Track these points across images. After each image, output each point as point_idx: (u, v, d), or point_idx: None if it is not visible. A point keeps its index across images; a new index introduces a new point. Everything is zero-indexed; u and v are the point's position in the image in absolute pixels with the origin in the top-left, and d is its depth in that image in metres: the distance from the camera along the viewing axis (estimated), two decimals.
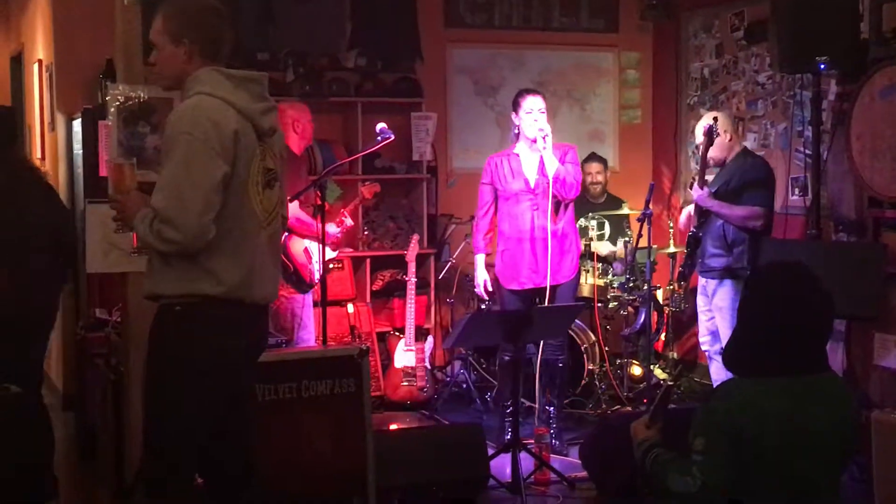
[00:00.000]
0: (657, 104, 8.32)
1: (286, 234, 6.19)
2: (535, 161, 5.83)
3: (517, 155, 5.89)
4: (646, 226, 6.02)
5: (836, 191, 6.08)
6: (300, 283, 6.25)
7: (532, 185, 5.81)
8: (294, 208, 6.12)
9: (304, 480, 4.23)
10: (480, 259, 6.10)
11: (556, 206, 5.83)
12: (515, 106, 5.88)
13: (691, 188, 5.98)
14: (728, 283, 5.83)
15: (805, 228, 6.10)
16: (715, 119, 5.80)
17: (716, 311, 5.93)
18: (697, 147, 5.99)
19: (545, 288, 5.79)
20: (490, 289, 6.07)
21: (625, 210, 7.25)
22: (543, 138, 5.73)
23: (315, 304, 6.25)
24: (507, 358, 5.93)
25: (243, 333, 3.47)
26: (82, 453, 5.95)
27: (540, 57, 8.04)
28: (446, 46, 7.81)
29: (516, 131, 5.92)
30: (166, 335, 3.43)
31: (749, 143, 7.13)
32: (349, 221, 6.53)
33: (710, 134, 5.80)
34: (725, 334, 5.89)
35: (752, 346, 3.08)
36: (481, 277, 6.08)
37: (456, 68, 7.85)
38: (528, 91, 5.97)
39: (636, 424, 3.30)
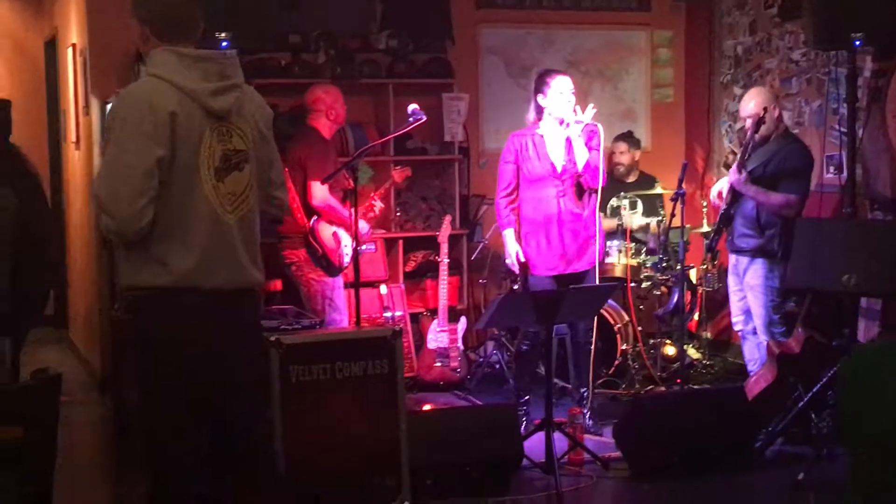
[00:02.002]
0: (690, 83, 8.27)
1: (315, 217, 6.20)
2: (560, 143, 5.76)
3: (541, 136, 5.80)
4: (679, 205, 5.99)
5: (871, 169, 6.03)
6: (329, 266, 6.26)
7: (559, 170, 5.75)
8: (324, 193, 6.13)
9: (338, 461, 4.25)
10: (510, 233, 5.85)
11: (581, 191, 5.79)
12: (542, 86, 5.75)
13: (727, 168, 5.95)
14: (760, 261, 5.81)
15: (840, 207, 6.05)
16: (765, 109, 5.74)
17: (747, 290, 5.91)
18: (732, 128, 5.95)
19: (571, 274, 5.76)
20: (523, 259, 5.82)
21: (658, 189, 7.22)
22: (591, 135, 5.67)
23: (347, 286, 6.27)
24: (524, 348, 5.91)
25: (209, 321, 3.39)
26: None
27: (571, 36, 8.00)
28: (477, 27, 7.78)
29: (541, 113, 5.79)
30: (136, 326, 3.45)
31: (784, 121, 7.08)
32: (379, 205, 6.54)
33: (759, 124, 5.76)
34: (758, 313, 5.87)
35: None
36: (513, 249, 5.81)
37: (487, 49, 7.83)
38: (556, 71, 5.87)
39: None
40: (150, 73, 3.38)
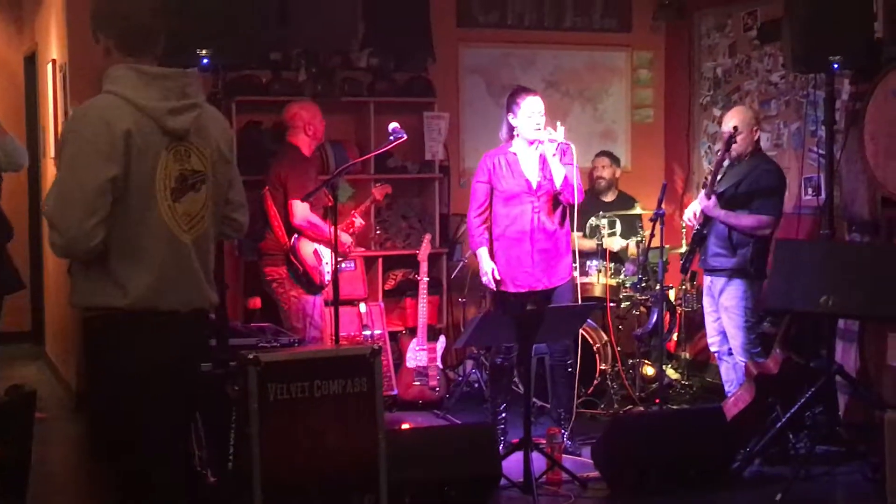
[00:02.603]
0: (669, 104, 8.31)
1: (296, 235, 6.20)
2: (534, 161, 5.78)
3: (514, 154, 5.81)
4: (658, 225, 6.02)
5: (849, 191, 6.06)
6: (310, 284, 6.25)
7: (534, 186, 5.76)
8: (304, 211, 6.12)
9: (316, 479, 4.23)
10: (484, 251, 5.84)
11: (556, 207, 5.80)
12: (512, 105, 5.76)
13: (703, 187, 5.98)
14: (737, 282, 5.84)
15: (818, 228, 6.08)
16: (735, 128, 5.79)
17: (722, 312, 5.93)
18: (712, 149, 5.99)
19: (542, 291, 5.77)
20: (498, 277, 5.80)
21: (637, 210, 7.24)
22: (563, 152, 5.69)
23: (327, 304, 6.26)
24: (498, 361, 5.91)
25: (167, 343, 3.35)
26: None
27: (552, 56, 8.03)
28: (458, 46, 7.80)
29: (513, 133, 5.80)
30: (90, 347, 3.41)
31: (762, 143, 7.10)
32: (359, 221, 6.54)
33: (729, 143, 5.79)
34: (733, 333, 5.89)
35: None
36: (489, 266, 5.79)
37: (468, 68, 7.85)
38: (526, 91, 5.84)
39: None
40: (106, 90, 3.31)
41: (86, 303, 3.34)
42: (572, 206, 5.78)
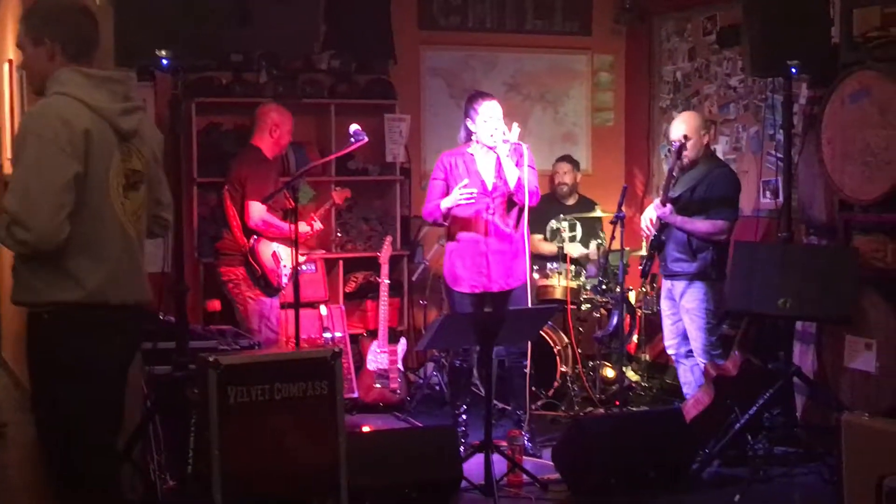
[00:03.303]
0: (630, 107, 8.35)
1: (254, 237, 6.16)
2: (490, 162, 5.79)
3: (472, 155, 5.82)
4: (618, 228, 6.04)
5: (807, 194, 6.12)
6: (268, 286, 6.22)
7: (489, 187, 5.77)
8: (260, 212, 6.09)
9: (276, 482, 4.22)
10: (444, 200, 5.71)
11: (511, 208, 5.81)
12: (470, 110, 5.77)
13: (662, 191, 6.02)
14: (698, 284, 5.88)
15: (776, 231, 6.13)
16: (685, 137, 5.83)
17: (684, 314, 5.96)
18: (668, 153, 6.02)
19: (496, 292, 5.79)
20: (474, 189, 5.65)
21: (597, 213, 7.27)
22: (521, 153, 5.68)
23: (286, 306, 6.23)
24: (456, 364, 5.93)
25: (116, 337, 3.47)
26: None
27: (513, 59, 8.05)
28: (420, 48, 7.80)
29: (472, 137, 5.80)
30: (37, 343, 3.45)
31: (721, 147, 7.19)
32: (318, 225, 6.52)
33: (680, 152, 5.84)
34: (695, 335, 5.92)
35: None
36: (456, 192, 5.62)
37: (429, 70, 7.85)
38: (483, 96, 5.83)
39: None
40: (57, 92, 3.39)
41: (35, 299, 3.40)
42: (528, 209, 5.79)
